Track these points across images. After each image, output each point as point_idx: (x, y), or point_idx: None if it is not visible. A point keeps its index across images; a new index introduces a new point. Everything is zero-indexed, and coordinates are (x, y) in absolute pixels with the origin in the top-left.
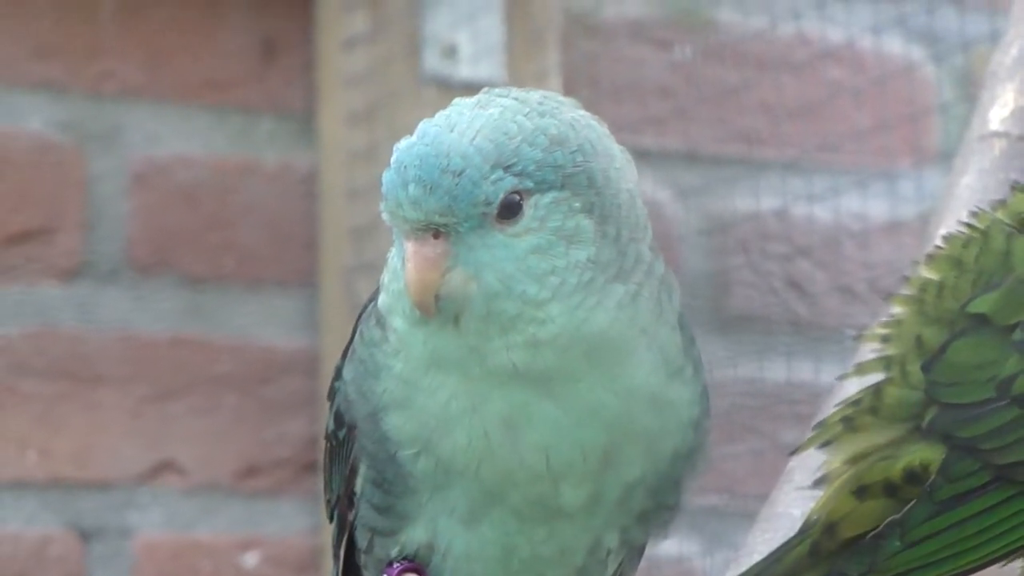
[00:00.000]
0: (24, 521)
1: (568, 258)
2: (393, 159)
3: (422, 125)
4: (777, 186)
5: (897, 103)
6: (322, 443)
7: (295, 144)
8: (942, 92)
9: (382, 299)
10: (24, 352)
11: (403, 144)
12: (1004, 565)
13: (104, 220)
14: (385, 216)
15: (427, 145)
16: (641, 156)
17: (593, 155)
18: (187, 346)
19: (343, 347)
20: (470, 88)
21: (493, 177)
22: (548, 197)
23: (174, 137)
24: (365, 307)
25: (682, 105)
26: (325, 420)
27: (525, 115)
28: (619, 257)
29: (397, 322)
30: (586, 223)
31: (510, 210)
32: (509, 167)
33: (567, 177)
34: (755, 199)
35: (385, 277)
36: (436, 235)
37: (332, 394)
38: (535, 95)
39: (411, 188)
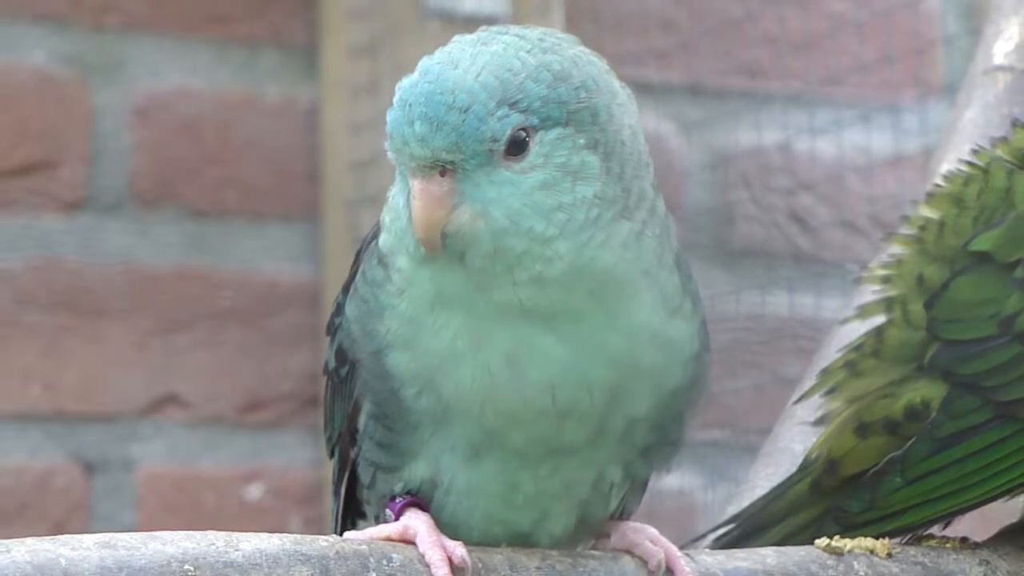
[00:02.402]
0: (28, 453)
1: (575, 194)
2: (396, 97)
3: (424, 62)
4: (780, 119)
5: (901, 36)
6: (324, 377)
7: (297, 78)
8: (947, 25)
9: (384, 238)
10: (27, 285)
11: (406, 82)
12: (1007, 501)
13: (107, 153)
14: (390, 154)
15: (431, 83)
16: (644, 89)
17: (596, 91)
18: (190, 279)
19: (346, 279)
20: (473, 22)
21: (499, 114)
22: (553, 134)
23: (177, 70)
24: (365, 242)
25: (685, 38)
26: (325, 355)
27: (528, 51)
28: (624, 194)
29: (401, 261)
30: (591, 159)
31: (517, 147)
32: (514, 103)
33: (571, 113)
34: (758, 133)
35: (386, 217)
36: (442, 173)
37: (332, 330)
38: (535, 32)
39: (417, 125)
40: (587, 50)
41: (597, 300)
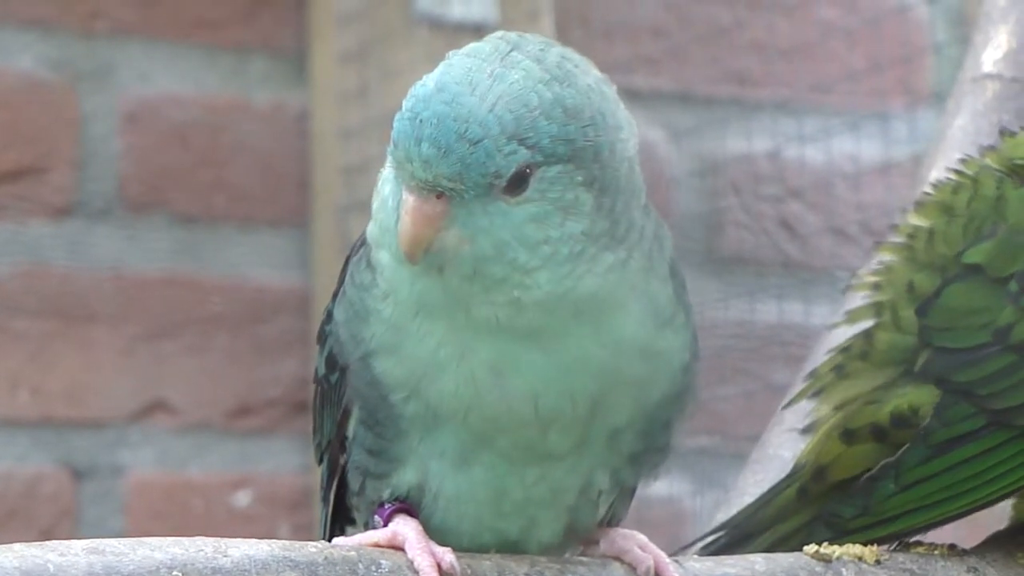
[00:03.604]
0: (16, 459)
1: (563, 229)
2: (408, 105)
3: (442, 76)
4: (769, 127)
5: (890, 44)
6: (313, 384)
7: (287, 83)
8: (935, 33)
9: (371, 228)
10: (16, 290)
11: (420, 92)
12: (992, 505)
13: (96, 158)
14: (391, 161)
15: (446, 104)
16: (633, 97)
17: (603, 128)
18: (179, 285)
19: (335, 287)
20: (462, 29)
21: (507, 150)
22: (553, 170)
23: (166, 76)
24: (354, 248)
25: (675, 45)
26: (315, 362)
27: (545, 83)
28: (612, 227)
29: (384, 256)
30: (585, 196)
31: (517, 182)
32: (524, 140)
33: (576, 151)
34: (747, 140)
35: (375, 203)
36: (439, 195)
37: (322, 337)
38: (553, 54)
39: (424, 147)
40: (600, 76)
41: (579, 319)
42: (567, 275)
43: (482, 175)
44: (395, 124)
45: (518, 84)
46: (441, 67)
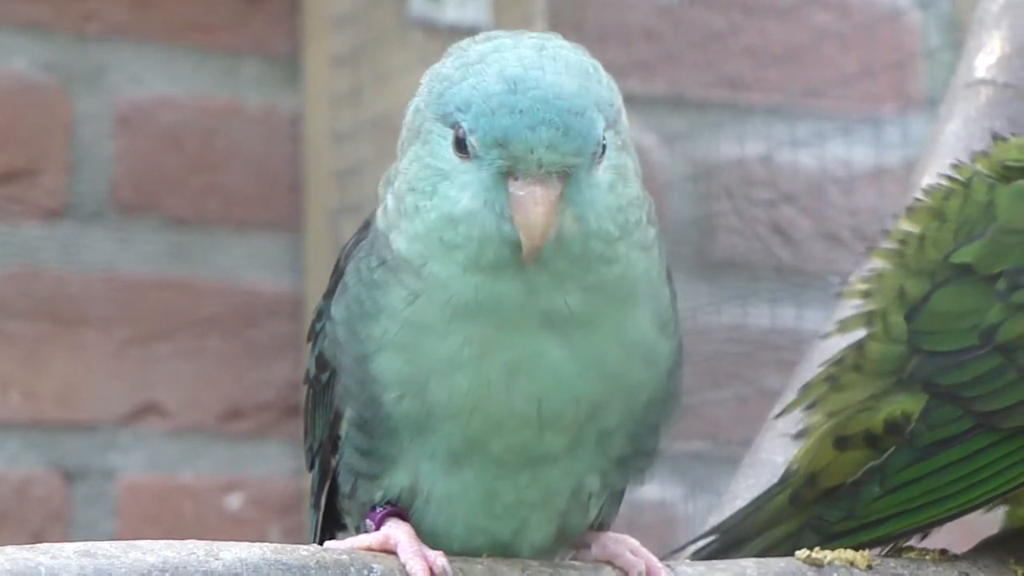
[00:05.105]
0: (7, 461)
1: (627, 195)
2: (492, 104)
3: (499, 70)
4: (762, 132)
5: (883, 49)
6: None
7: (280, 86)
8: (928, 38)
9: (407, 246)
10: (7, 293)
11: (493, 89)
12: (986, 512)
13: (88, 161)
14: (498, 162)
15: (535, 88)
16: (627, 101)
17: (619, 94)
18: (171, 288)
19: (327, 287)
20: (455, 31)
21: (596, 118)
22: (609, 135)
23: (159, 79)
24: (347, 247)
25: (668, 50)
26: (306, 364)
27: (578, 53)
28: (644, 197)
29: (438, 267)
30: (628, 160)
31: (603, 150)
32: (598, 106)
33: (612, 115)
34: (740, 145)
35: (416, 225)
36: (559, 178)
37: (313, 336)
38: (548, 36)
39: (543, 131)
40: None
41: (616, 308)
42: (633, 245)
43: (592, 145)
44: (490, 127)
45: (569, 58)
46: (471, 69)
